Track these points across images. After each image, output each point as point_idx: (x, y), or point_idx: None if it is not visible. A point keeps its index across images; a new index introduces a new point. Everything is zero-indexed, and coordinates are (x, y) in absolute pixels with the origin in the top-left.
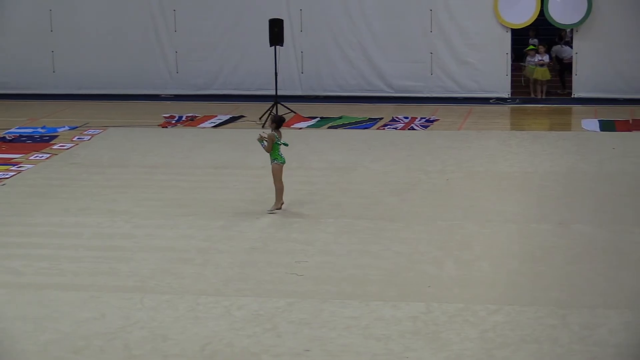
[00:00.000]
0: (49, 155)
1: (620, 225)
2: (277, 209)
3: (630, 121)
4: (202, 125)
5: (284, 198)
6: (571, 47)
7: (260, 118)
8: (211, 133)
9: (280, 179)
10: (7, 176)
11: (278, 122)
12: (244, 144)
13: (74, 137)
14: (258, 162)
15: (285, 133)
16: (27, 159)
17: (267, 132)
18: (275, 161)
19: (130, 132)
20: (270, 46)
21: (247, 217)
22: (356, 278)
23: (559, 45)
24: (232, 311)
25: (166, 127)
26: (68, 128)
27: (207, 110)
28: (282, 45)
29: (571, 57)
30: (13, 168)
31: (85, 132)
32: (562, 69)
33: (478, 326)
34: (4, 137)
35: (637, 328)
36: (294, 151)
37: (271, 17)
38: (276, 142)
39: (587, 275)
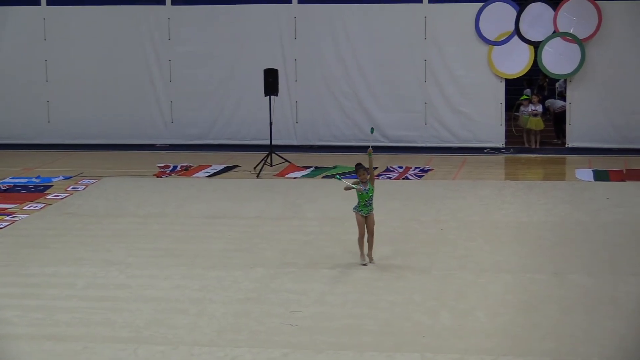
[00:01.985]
0: (43, 205)
1: (616, 275)
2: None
3: (624, 171)
4: (196, 175)
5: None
6: (563, 99)
7: (254, 168)
8: (205, 183)
9: (361, 229)
10: (1, 226)
11: (358, 168)
12: (238, 193)
13: (68, 187)
14: (252, 212)
15: (279, 183)
16: (21, 209)
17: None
18: (358, 211)
19: (124, 182)
20: (265, 96)
21: (241, 267)
22: (351, 328)
23: (552, 99)
24: None
25: (161, 176)
26: (62, 178)
27: (201, 160)
28: (277, 95)
29: (563, 107)
30: (7, 218)
31: (79, 182)
32: (556, 120)
33: None
34: None
35: None
36: (288, 201)
37: (266, 67)
38: (361, 191)
39: (582, 326)
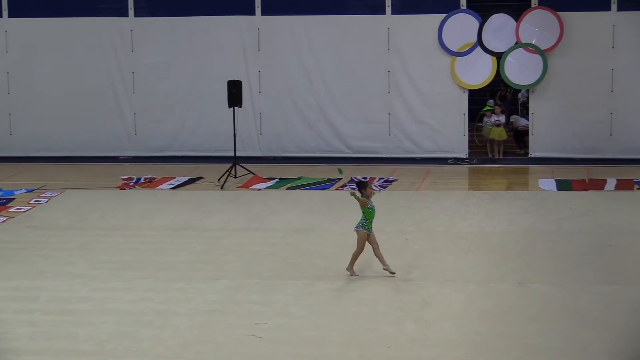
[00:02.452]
0: (5, 218)
1: (579, 284)
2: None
3: (587, 180)
4: (160, 187)
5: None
6: (526, 109)
7: (218, 179)
8: (169, 195)
9: (363, 245)
10: None
11: (359, 186)
12: (202, 205)
13: (31, 200)
14: (216, 224)
15: (243, 194)
16: None
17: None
18: (365, 228)
19: (87, 195)
20: (229, 107)
21: (206, 279)
22: (316, 340)
23: (516, 115)
24: None
25: (124, 189)
26: (25, 191)
27: (165, 172)
28: (240, 107)
29: (526, 126)
30: None
31: (42, 195)
32: (517, 134)
33: None
34: None
35: None
36: (253, 212)
37: (230, 79)
38: (369, 208)
39: (547, 335)
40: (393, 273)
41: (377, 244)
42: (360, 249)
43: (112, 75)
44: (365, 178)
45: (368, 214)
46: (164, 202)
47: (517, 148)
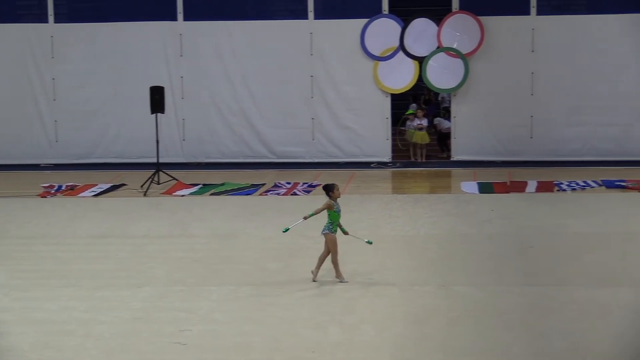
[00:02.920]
0: None
1: (501, 286)
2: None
3: (508, 183)
4: (82, 194)
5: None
6: (448, 113)
7: (141, 186)
8: (92, 202)
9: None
10: None
11: (326, 189)
12: (125, 212)
13: None
14: (140, 231)
15: (167, 201)
16: None
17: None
18: (331, 231)
19: (8, 203)
20: (152, 114)
21: (129, 287)
22: (240, 346)
23: (440, 117)
24: None
25: (45, 197)
26: None
27: (87, 179)
28: (163, 113)
29: (449, 128)
30: None
31: None
32: (441, 137)
33: None
34: None
35: None
36: (176, 219)
37: (152, 85)
38: (334, 211)
39: (470, 337)
40: (314, 281)
41: (335, 248)
42: (336, 252)
43: (33, 82)
44: (332, 184)
45: (334, 216)
46: (86, 209)
47: (439, 152)
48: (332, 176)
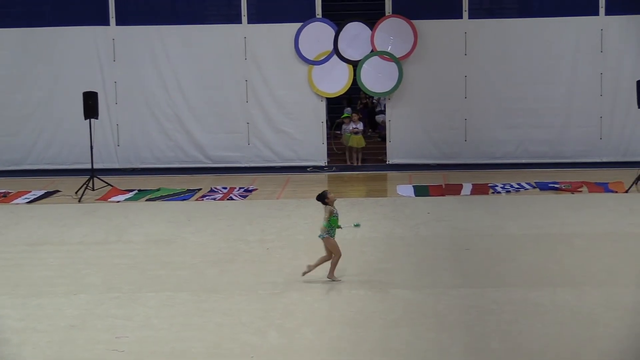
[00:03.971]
0: None
1: (437, 288)
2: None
3: (443, 186)
4: (15, 201)
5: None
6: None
7: (76, 192)
8: (25, 209)
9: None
10: None
11: (320, 199)
12: (60, 219)
13: None
14: (75, 237)
15: (102, 207)
16: None
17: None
18: (330, 235)
19: None
20: (85, 119)
21: (65, 294)
22: (179, 352)
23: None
24: None
25: None
26: None
27: (20, 186)
28: (97, 118)
29: (383, 121)
30: None
31: None
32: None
33: None
34: None
35: None
36: (111, 225)
37: (85, 90)
38: (334, 215)
39: (407, 339)
40: (303, 275)
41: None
42: (338, 253)
43: None
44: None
45: (333, 221)
46: (19, 216)
47: (380, 153)
48: (268, 180)
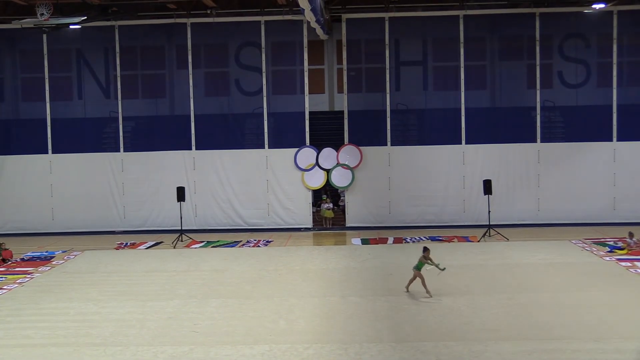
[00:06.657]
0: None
1: (375, 296)
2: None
3: (377, 238)
4: (138, 247)
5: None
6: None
7: (172, 243)
8: (144, 252)
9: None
10: (26, 280)
11: (424, 250)
12: (163, 257)
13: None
14: (171, 267)
15: (187, 251)
16: (37, 270)
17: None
18: (418, 269)
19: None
20: (177, 202)
21: (165, 299)
22: (229, 332)
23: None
24: None
25: (119, 249)
26: None
27: (141, 239)
28: (184, 201)
29: (343, 202)
30: (28, 276)
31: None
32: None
33: None
34: (23, 258)
35: None
36: (191, 261)
37: (178, 185)
38: (421, 262)
39: (354, 323)
40: (407, 292)
41: (422, 278)
42: (423, 279)
43: None
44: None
45: (420, 264)
46: (140, 256)
47: (342, 220)
48: (279, 236)
